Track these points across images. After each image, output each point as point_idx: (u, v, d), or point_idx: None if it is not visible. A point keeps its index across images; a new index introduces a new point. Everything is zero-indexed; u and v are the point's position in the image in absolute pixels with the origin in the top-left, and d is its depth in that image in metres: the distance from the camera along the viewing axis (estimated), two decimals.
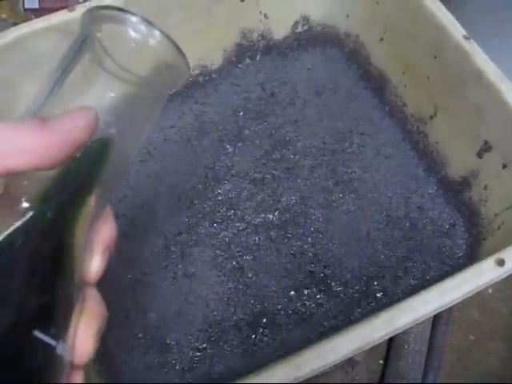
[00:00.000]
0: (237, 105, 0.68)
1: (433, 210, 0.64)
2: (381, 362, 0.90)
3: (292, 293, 0.58)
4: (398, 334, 0.88)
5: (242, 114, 0.68)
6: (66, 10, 0.56)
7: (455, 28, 0.58)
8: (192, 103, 0.68)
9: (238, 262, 0.59)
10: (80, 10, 0.56)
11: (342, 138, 0.68)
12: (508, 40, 0.71)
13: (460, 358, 0.89)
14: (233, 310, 0.57)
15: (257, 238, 0.60)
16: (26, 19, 1.20)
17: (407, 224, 0.63)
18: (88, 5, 0.57)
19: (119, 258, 0.57)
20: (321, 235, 0.60)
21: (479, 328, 0.92)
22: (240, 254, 0.59)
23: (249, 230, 0.60)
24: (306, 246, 0.60)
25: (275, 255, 0.59)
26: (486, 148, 0.59)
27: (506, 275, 0.46)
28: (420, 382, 0.85)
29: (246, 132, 0.67)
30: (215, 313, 0.56)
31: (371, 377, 0.88)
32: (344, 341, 0.41)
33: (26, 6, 1.20)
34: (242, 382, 0.39)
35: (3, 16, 1.26)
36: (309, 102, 0.71)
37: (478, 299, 0.94)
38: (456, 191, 0.63)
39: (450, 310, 0.90)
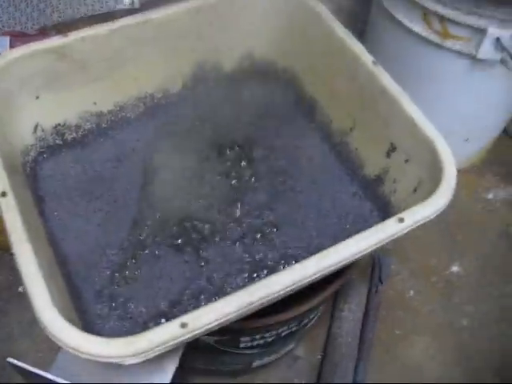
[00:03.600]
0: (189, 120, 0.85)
1: (354, 204, 0.80)
2: (319, 356, 1.03)
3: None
4: (332, 329, 1.01)
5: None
6: (61, 36, 0.71)
7: (366, 56, 0.76)
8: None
9: None
10: (72, 36, 0.72)
11: (281, 150, 0.84)
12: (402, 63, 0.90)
13: (387, 350, 1.03)
14: None
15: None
16: None
17: (334, 216, 0.79)
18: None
19: None
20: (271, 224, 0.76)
21: (403, 325, 1.07)
22: None
23: None
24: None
25: None
26: (392, 149, 0.76)
27: (406, 230, 0.62)
28: (353, 370, 0.97)
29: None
30: None
31: (312, 369, 1.00)
32: (285, 274, 0.56)
33: None
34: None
35: None
36: (252, 124, 0.87)
37: (401, 300, 1.10)
38: (372, 187, 0.79)
39: (377, 309, 1.05)
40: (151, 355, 0.53)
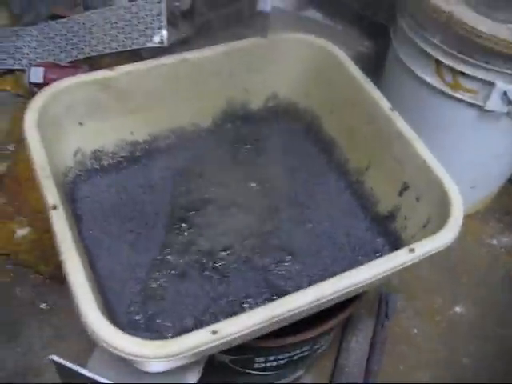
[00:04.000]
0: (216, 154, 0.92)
1: (367, 238, 0.86)
2: None
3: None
4: (339, 359, 1.06)
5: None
6: (107, 69, 0.79)
7: (383, 102, 0.83)
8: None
9: None
10: (118, 70, 0.80)
11: (300, 184, 0.91)
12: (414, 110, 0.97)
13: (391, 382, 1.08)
14: None
15: None
16: (29, 92, 1.44)
17: (348, 248, 0.85)
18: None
19: None
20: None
21: (407, 360, 1.12)
22: None
23: None
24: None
25: None
26: (405, 188, 0.82)
27: (415, 260, 0.68)
28: None
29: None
30: None
31: None
32: (305, 293, 0.62)
33: (31, 81, 1.44)
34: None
35: (8, 88, 1.49)
36: (274, 161, 0.94)
37: (406, 337, 1.15)
38: (384, 223, 0.86)
39: (383, 343, 1.10)
40: (181, 359, 0.58)
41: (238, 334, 0.58)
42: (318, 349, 0.91)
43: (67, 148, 0.83)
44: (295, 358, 0.87)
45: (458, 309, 1.23)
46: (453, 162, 0.80)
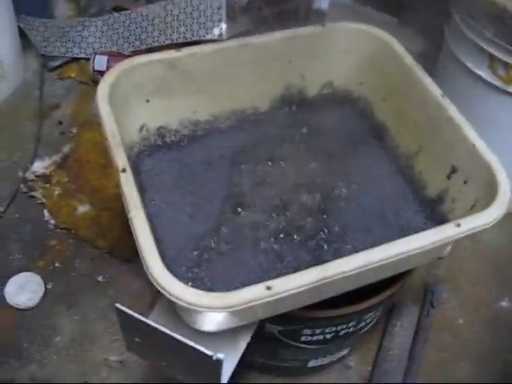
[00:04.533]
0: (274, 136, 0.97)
1: (416, 220, 0.89)
2: (369, 368, 1.11)
3: None
4: (384, 342, 1.09)
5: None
6: (174, 50, 0.85)
7: (435, 89, 0.87)
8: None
9: None
10: (184, 51, 0.85)
11: (354, 167, 0.95)
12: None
13: (435, 369, 1.11)
14: None
15: None
16: (92, 79, 1.51)
17: (397, 228, 0.88)
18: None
19: None
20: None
21: (451, 349, 1.14)
22: None
23: None
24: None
25: None
26: (453, 171, 0.85)
27: (462, 235, 0.71)
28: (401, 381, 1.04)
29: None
30: None
31: (361, 380, 1.08)
32: (357, 256, 0.66)
33: (96, 68, 1.51)
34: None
35: (72, 75, 1.57)
36: (329, 145, 0.98)
37: (450, 327, 1.17)
38: (433, 206, 0.89)
39: (427, 330, 1.13)
40: (236, 316, 0.63)
41: (291, 292, 0.62)
42: (363, 327, 0.94)
43: (134, 123, 0.88)
44: (341, 333, 0.91)
45: (504, 303, 1.24)
46: (504, 156, 0.82)
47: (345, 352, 1.06)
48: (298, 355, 0.97)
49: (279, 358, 0.99)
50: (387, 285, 0.86)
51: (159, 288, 0.61)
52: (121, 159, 0.71)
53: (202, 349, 0.62)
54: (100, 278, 1.20)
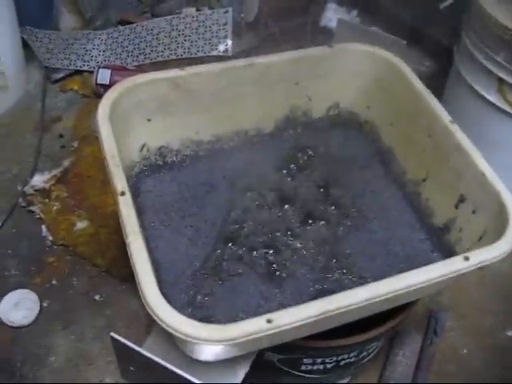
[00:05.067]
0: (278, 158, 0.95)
1: (421, 248, 0.87)
2: None
3: None
4: (385, 371, 1.06)
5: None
6: (178, 69, 0.83)
7: (444, 115, 0.85)
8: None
9: None
10: (188, 70, 0.83)
11: (359, 193, 0.93)
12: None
13: None
14: None
15: None
16: (95, 92, 1.50)
17: (403, 256, 0.86)
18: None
19: None
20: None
21: (454, 379, 1.11)
22: None
23: None
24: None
25: None
26: (462, 200, 0.83)
27: (470, 269, 0.68)
28: None
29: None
30: None
31: None
32: (363, 290, 0.64)
33: (99, 82, 1.49)
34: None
35: (75, 88, 1.56)
36: (333, 168, 0.96)
37: (454, 356, 1.13)
38: (439, 235, 0.86)
39: (431, 360, 1.10)
40: (234, 347, 0.60)
41: (293, 325, 0.60)
42: (364, 357, 0.91)
43: (134, 143, 0.87)
44: (342, 363, 0.88)
45: (510, 333, 1.21)
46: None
47: (345, 381, 1.03)
48: (297, 383, 0.94)
49: None
50: (390, 314, 0.83)
51: (155, 318, 0.58)
52: (120, 182, 0.69)
53: (199, 382, 0.59)
54: (97, 297, 1.17)
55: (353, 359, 0.88)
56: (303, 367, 0.87)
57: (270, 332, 0.59)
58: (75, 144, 1.43)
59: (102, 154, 0.74)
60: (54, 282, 1.18)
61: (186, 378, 0.59)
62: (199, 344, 0.60)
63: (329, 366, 0.87)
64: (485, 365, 1.15)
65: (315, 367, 0.88)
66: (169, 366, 0.61)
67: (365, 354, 0.90)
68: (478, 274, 1.27)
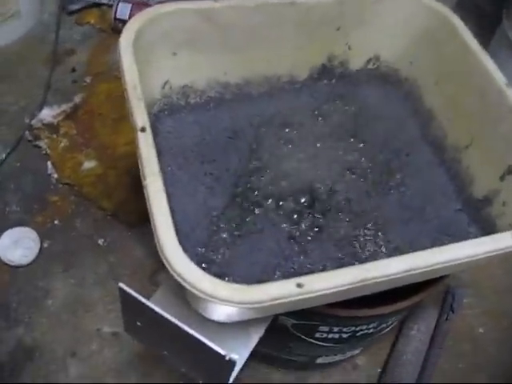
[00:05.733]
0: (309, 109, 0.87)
1: (457, 220, 0.80)
2: (379, 370, 1.02)
3: None
4: (398, 345, 1.00)
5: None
6: (212, 1, 0.74)
7: (499, 76, 0.76)
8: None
9: None
10: (223, 2, 0.75)
11: (392, 155, 0.85)
12: None
13: (447, 381, 1.02)
14: None
15: None
16: (112, 27, 1.41)
17: (436, 225, 0.79)
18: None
19: None
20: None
21: (468, 359, 1.06)
22: None
23: None
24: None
25: None
26: (509, 171, 0.75)
27: None
28: None
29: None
30: None
31: (368, 381, 1.00)
32: (401, 260, 0.57)
33: (117, 16, 1.40)
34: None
35: (92, 21, 1.46)
36: (367, 125, 0.88)
37: (469, 335, 1.08)
38: (478, 207, 0.79)
39: (445, 336, 1.04)
40: (253, 311, 0.54)
41: (324, 292, 0.53)
42: (383, 329, 0.86)
43: (157, 78, 0.79)
44: (359, 333, 0.82)
45: None
46: None
47: (357, 352, 0.97)
48: (308, 351, 0.90)
49: (287, 351, 0.91)
50: (414, 287, 0.77)
51: (173, 273, 0.52)
52: (141, 116, 0.62)
53: (215, 347, 0.53)
54: (101, 242, 1.11)
55: (371, 330, 0.83)
56: (318, 335, 0.81)
57: (298, 297, 0.52)
58: (88, 80, 1.35)
59: (122, 85, 0.65)
60: (56, 222, 1.12)
61: (203, 343, 0.52)
62: (217, 304, 0.53)
63: (345, 335, 0.82)
64: (499, 346, 1.10)
65: (330, 336, 0.82)
66: (186, 327, 0.54)
67: (383, 326, 0.85)
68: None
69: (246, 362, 0.70)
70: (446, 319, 1.08)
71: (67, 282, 1.06)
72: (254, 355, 0.95)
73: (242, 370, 0.69)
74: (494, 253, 0.61)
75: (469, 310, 1.14)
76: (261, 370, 1.01)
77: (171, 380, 0.97)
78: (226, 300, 0.51)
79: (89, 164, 1.20)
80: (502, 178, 0.76)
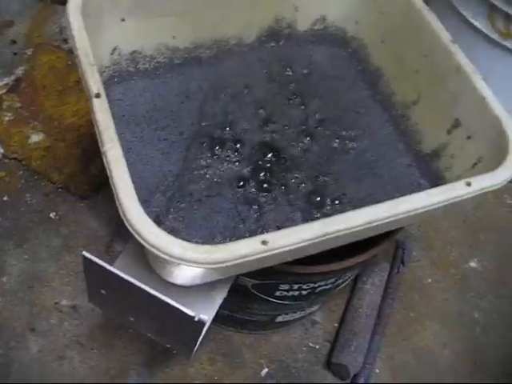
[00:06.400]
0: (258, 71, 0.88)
1: (408, 174, 0.82)
2: (335, 324, 1.05)
3: None
4: (353, 299, 1.03)
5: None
6: None
7: (444, 34, 0.78)
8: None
9: None
10: None
11: (342, 114, 0.87)
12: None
13: (401, 329, 1.06)
14: None
15: None
16: None
17: (388, 181, 0.81)
18: None
19: None
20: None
21: (418, 308, 1.10)
22: None
23: None
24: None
25: None
26: (456, 125, 0.78)
27: (471, 195, 0.64)
28: (368, 341, 0.99)
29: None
30: None
31: (327, 336, 1.03)
32: (361, 213, 0.59)
33: None
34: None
35: None
36: (316, 85, 0.89)
37: (419, 286, 1.12)
38: (428, 161, 0.82)
39: (396, 288, 1.08)
40: (217, 272, 0.55)
41: (288, 248, 0.54)
42: (339, 284, 0.88)
43: (105, 45, 0.78)
44: (318, 289, 0.84)
45: (473, 264, 1.20)
46: None
47: (315, 308, 1.00)
48: (268, 310, 0.91)
49: (248, 311, 0.92)
50: (368, 243, 0.79)
51: (137, 236, 0.52)
52: (95, 83, 0.62)
53: (184, 309, 0.53)
54: (53, 215, 1.10)
55: (329, 286, 0.85)
56: (278, 293, 0.83)
57: (264, 254, 0.53)
58: (29, 52, 1.32)
59: (74, 52, 0.64)
60: (5, 199, 1.10)
61: (171, 305, 0.53)
62: (183, 266, 0.53)
63: (304, 292, 0.84)
64: (447, 295, 1.15)
65: (290, 293, 0.84)
66: (148, 288, 0.55)
67: (340, 281, 0.87)
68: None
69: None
70: (398, 272, 1.12)
71: (20, 257, 1.05)
72: (215, 318, 0.97)
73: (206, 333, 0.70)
74: (450, 201, 0.64)
75: (418, 263, 1.18)
76: (221, 332, 1.03)
77: (132, 349, 0.97)
78: (195, 261, 0.52)
79: (36, 137, 1.17)
80: (449, 132, 0.78)
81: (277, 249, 0.54)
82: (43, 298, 1.01)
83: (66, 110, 1.18)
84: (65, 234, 1.09)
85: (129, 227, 0.53)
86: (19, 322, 0.98)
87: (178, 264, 0.53)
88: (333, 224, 0.56)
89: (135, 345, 0.97)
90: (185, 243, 0.52)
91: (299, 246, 0.55)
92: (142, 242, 0.52)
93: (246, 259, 0.53)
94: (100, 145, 0.58)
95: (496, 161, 0.69)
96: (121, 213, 0.54)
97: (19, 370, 0.94)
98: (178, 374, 0.97)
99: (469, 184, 0.64)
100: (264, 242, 0.54)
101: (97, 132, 0.59)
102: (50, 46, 1.30)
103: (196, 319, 0.54)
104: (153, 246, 0.52)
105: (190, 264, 0.52)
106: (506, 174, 0.65)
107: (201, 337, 0.60)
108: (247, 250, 0.53)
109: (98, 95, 0.60)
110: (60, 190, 1.12)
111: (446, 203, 0.63)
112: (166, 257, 0.52)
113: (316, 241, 0.56)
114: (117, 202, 0.54)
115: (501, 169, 0.66)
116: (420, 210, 0.61)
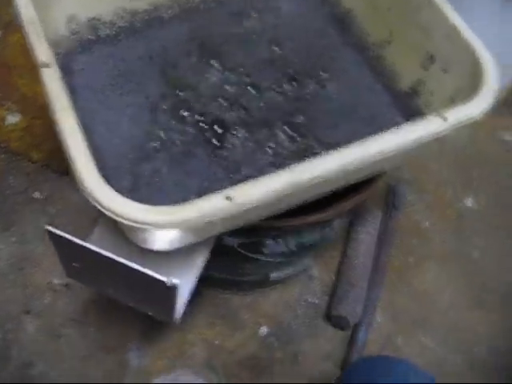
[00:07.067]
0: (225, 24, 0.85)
1: (388, 114, 0.79)
2: (333, 277, 1.03)
3: None
4: (348, 250, 1.01)
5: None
6: None
7: None
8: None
9: None
10: None
11: (317, 58, 0.84)
12: None
13: (400, 275, 1.04)
14: None
15: None
16: None
17: (368, 123, 0.78)
18: None
19: None
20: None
21: (416, 252, 1.08)
22: None
23: None
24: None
25: None
26: (431, 60, 0.75)
27: (449, 130, 0.61)
28: (366, 290, 0.97)
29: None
30: None
31: (325, 289, 1.01)
32: (331, 158, 0.56)
33: None
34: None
35: None
36: (286, 34, 0.86)
37: (416, 230, 1.10)
38: (407, 99, 0.79)
39: (392, 234, 1.05)
40: (189, 233, 0.53)
41: (255, 203, 0.52)
42: (329, 237, 0.86)
43: (60, 14, 0.75)
44: (306, 243, 0.82)
45: (468, 202, 1.18)
46: None
47: (308, 262, 0.98)
48: (259, 268, 0.90)
49: (240, 272, 0.91)
50: (354, 189, 0.77)
51: (96, 204, 0.50)
52: (42, 52, 0.59)
53: (153, 273, 0.52)
54: (37, 195, 1.08)
55: (317, 238, 0.83)
56: (265, 250, 0.81)
57: (229, 211, 0.51)
58: None
59: (21, 25, 0.61)
60: None
61: (141, 272, 0.51)
62: (149, 230, 0.51)
63: (292, 247, 0.82)
64: (444, 236, 1.13)
65: (278, 249, 0.82)
66: (119, 259, 0.53)
67: (329, 234, 0.85)
68: (436, 146, 1.22)
69: (198, 288, 0.70)
70: (390, 216, 1.10)
71: (8, 240, 1.03)
72: (210, 283, 0.95)
73: (195, 296, 0.69)
74: (427, 138, 0.61)
75: (413, 207, 1.16)
76: (218, 296, 1.01)
77: (128, 321, 0.96)
78: (155, 224, 0.50)
79: (12, 118, 1.15)
80: (425, 68, 0.76)
81: (242, 204, 0.52)
82: (35, 278, 1.00)
83: (40, 88, 1.14)
84: (51, 212, 1.07)
85: (87, 196, 0.51)
86: (13, 304, 0.97)
87: (145, 228, 0.51)
88: (302, 171, 0.53)
89: (130, 317, 0.96)
90: (147, 206, 0.51)
91: (268, 199, 0.53)
92: (102, 209, 0.50)
93: (210, 218, 0.51)
94: (51, 114, 0.55)
95: (474, 92, 0.66)
96: (78, 182, 0.51)
97: (19, 353, 0.93)
98: (177, 340, 0.96)
99: (445, 118, 0.61)
100: (228, 198, 0.51)
101: (48, 103, 0.56)
102: (18, 24, 1.25)
103: (168, 284, 0.52)
104: (113, 213, 0.50)
105: (154, 227, 0.50)
106: (481, 103, 0.63)
107: (179, 302, 0.58)
108: (210, 207, 0.51)
109: (45, 64, 0.58)
110: (42, 167, 1.10)
111: (422, 140, 0.60)
112: (131, 223, 0.50)
113: (286, 192, 0.53)
114: (74, 172, 0.52)
115: (476, 99, 0.63)
116: (397, 149, 0.58)
